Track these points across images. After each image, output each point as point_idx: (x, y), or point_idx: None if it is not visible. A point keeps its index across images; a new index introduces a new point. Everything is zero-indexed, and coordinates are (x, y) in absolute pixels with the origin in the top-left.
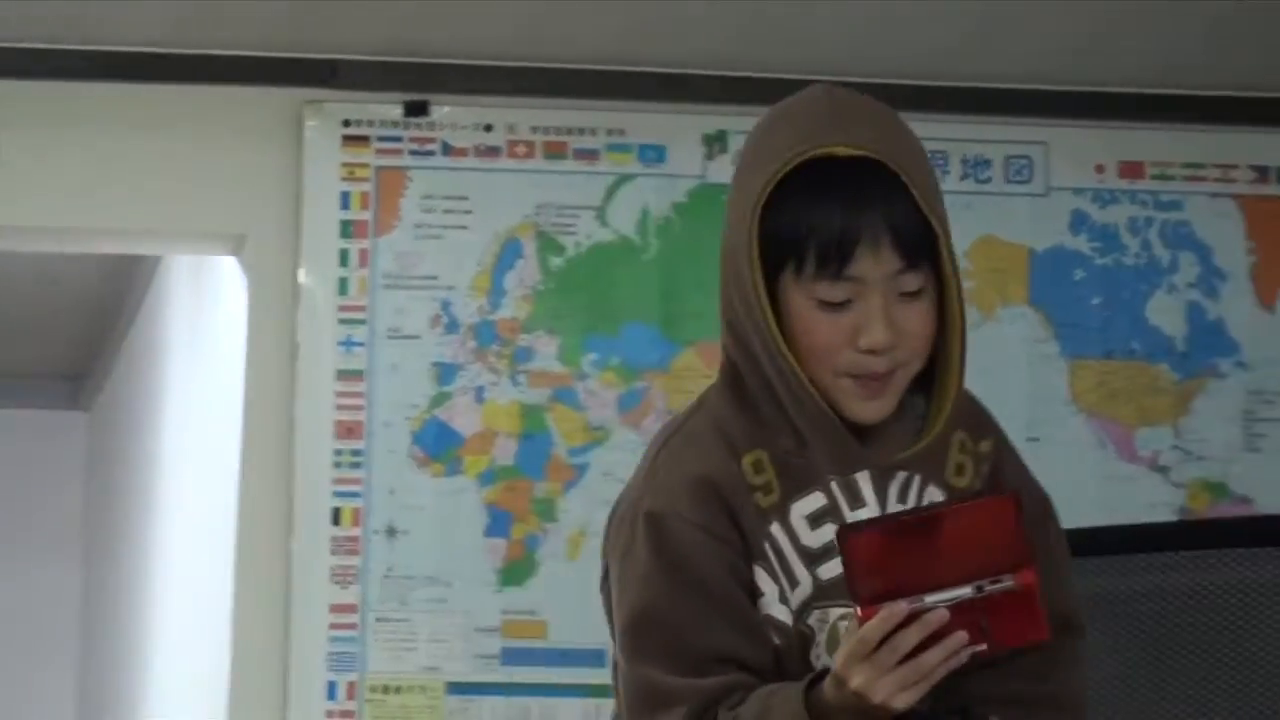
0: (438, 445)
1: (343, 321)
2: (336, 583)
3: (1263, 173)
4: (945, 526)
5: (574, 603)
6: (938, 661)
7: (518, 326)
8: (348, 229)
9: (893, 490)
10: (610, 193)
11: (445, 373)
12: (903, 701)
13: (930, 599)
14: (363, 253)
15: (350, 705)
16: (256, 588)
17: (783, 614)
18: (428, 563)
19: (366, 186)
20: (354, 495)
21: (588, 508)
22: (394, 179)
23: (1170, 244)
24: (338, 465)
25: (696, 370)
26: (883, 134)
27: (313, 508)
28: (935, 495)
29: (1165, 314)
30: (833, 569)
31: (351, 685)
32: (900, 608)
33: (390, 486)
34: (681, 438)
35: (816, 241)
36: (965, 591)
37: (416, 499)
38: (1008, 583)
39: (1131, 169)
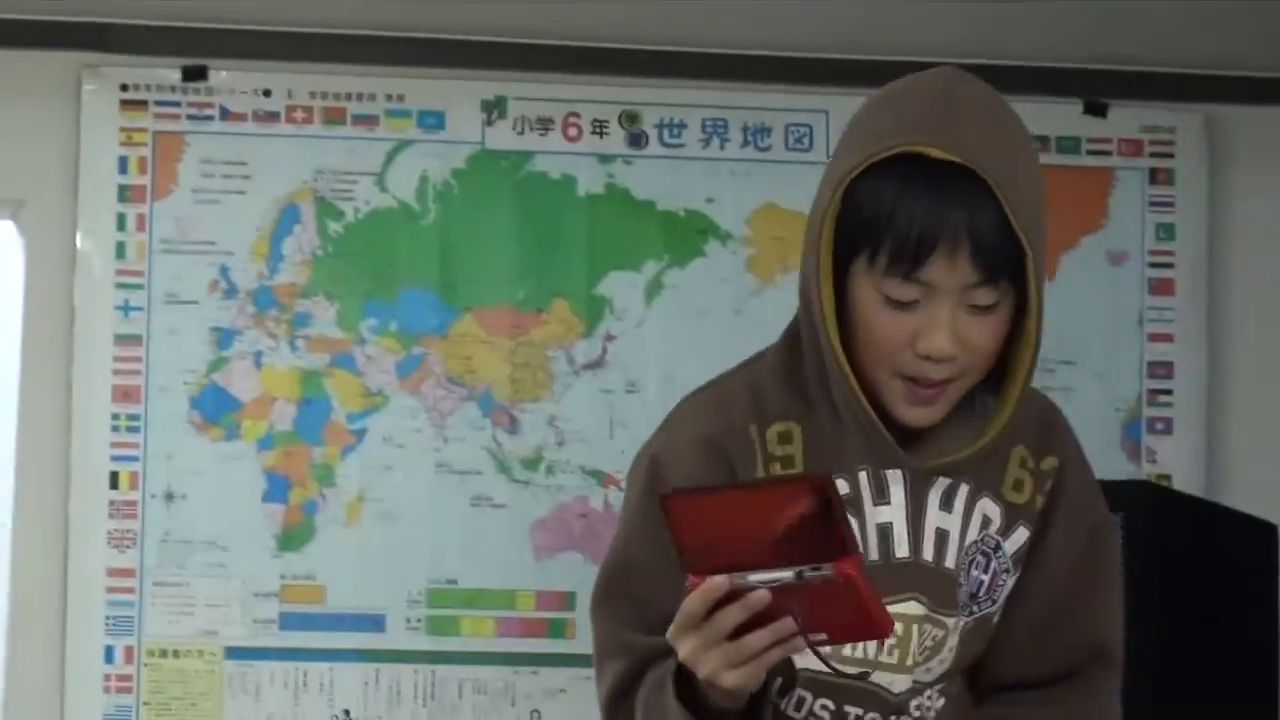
0: (216, 410)
1: (120, 286)
2: (114, 546)
3: (1044, 141)
4: (761, 504)
5: (352, 568)
6: (763, 645)
7: (296, 292)
8: (125, 194)
9: (933, 496)
10: (389, 159)
11: (224, 338)
12: (730, 680)
13: (755, 577)
14: (140, 217)
15: (128, 669)
16: (33, 551)
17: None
18: (206, 527)
19: (144, 151)
20: (132, 459)
21: (366, 473)
22: (172, 144)
23: None
24: (115, 429)
25: (475, 336)
26: (988, 140)
27: (90, 471)
28: (990, 509)
29: None
30: None
31: (129, 649)
32: (717, 582)
33: (168, 451)
34: (708, 393)
35: (893, 238)
36: (787, 575)
37: (194, 463)
38: (826, 571)
39: None
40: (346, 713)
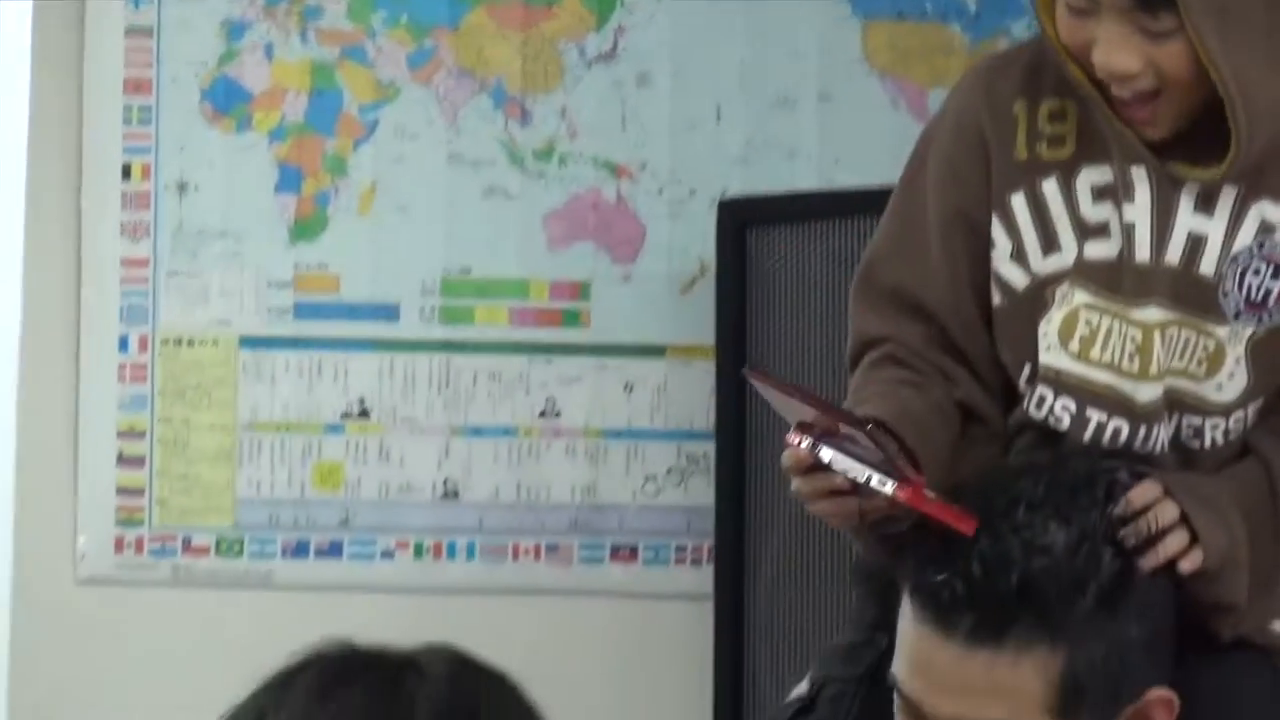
0: (227, 101)
1: None
2: (127, 237)
3: None
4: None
5: (365, 258)
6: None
7: None
8: None
9: (1184, 198)
10: None
11: (234, 30)
12: (833, 523)
13: (837, 463)
14: None
15: (143, 358)
16: (46, 241)
17: (1013, 273)
18: (219, 217)
19: None
20: (144, 151)
21: (378, 164)
22: None
23: None
24: (127, 121)
25: (486, 28)
26: None
27: (102, 163)
28: (1273, 213)
29: None
30: (1100, 250)
31: (144, 338)
32: (801, 456)
33: (180, 143)
34: (994, 59)
35: None
36: (859, 474)
37: (207, 154)
38: (887, 489)
39: None
40: (361, 400)
